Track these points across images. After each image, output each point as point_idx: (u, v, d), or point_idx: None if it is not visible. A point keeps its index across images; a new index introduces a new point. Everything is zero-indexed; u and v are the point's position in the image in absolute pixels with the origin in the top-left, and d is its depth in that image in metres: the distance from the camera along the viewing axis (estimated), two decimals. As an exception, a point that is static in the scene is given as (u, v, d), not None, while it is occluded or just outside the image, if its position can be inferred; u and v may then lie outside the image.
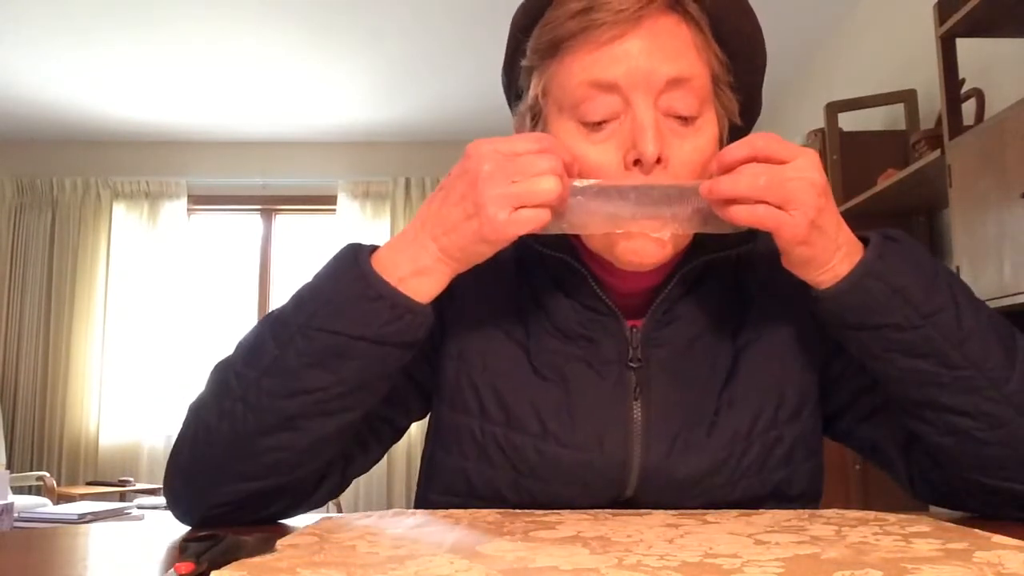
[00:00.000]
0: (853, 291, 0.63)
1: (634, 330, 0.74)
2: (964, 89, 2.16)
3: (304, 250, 5.27)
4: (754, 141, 0.62)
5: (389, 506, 4.80)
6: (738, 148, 0.62)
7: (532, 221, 0.62)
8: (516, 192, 0.61)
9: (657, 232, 0.65)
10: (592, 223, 0.65)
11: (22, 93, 4.41)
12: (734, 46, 0.71)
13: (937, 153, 2.19)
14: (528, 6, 0.72)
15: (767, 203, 0.60)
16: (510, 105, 0.79)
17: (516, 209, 0.61)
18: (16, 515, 3.04)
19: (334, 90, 4.41)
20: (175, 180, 5.16)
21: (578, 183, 0.64)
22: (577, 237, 0.73)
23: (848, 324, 0.65)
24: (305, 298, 0.67)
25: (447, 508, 0.71)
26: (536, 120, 0.73)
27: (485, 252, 0.65)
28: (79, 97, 4.48)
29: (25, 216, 5.12)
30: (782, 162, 0.61)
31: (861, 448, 0.78)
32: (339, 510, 4.21)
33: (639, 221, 0.64)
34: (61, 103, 4.56)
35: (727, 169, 0.62)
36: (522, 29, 0.73)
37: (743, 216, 0.61)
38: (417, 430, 3.25)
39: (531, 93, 0.72)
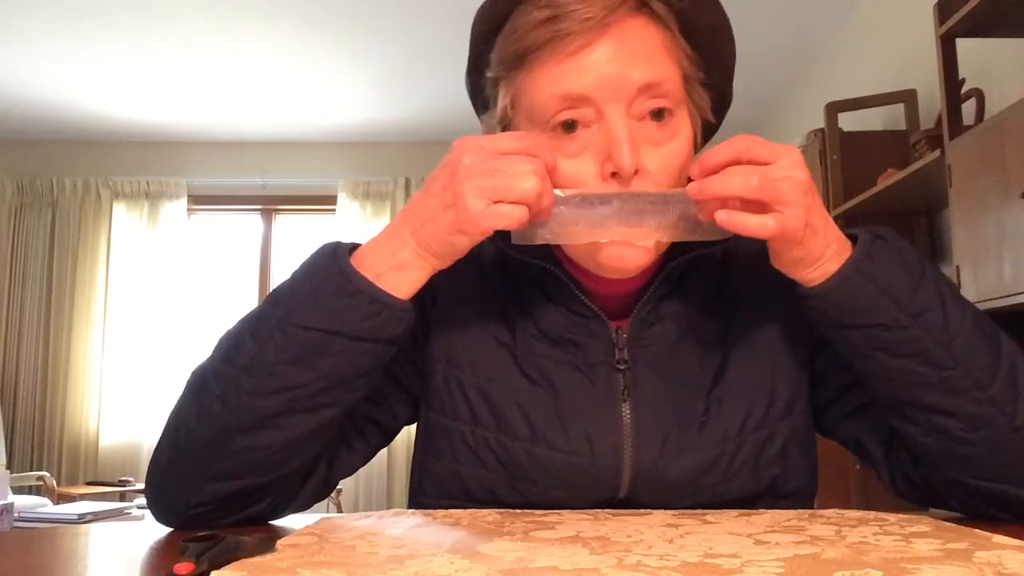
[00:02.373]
0: (840, 289, 0.62)
1: (619, 331, 0.73)
2: (964, 89, 2.16)
3: (304, 250, 5.25)
4: (735, 143, 0.61)
5: (389, 506, 4.80)
6: (720, 151, 0.61)
7: (509, 216, 0.60)
8: (494, 185, 0.60)
9: (642, 240, 0.65)
10: (576, 233, 0.64)
11: (22, 93, 4.41)
12: (702, 41, 0.70)
13: (937, 153, 2.19)
14: (488, 14, 0.70)
15: (762, 202, 0.60)
16: (477, 113, 0.77)
17: (494, 203, 0.60)
18: (16, 515, 3.04)
19: (334, 90, 4.41)
20: (175, 180, 5.16)
21: (561, 193, 0.63)
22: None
23: (835, 322, 0.64)
24: (283, 295, 0.66)
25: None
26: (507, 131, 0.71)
27: (461, 245, 0.63)
28: (79, 97, 4.48)
29: (25, 216, 5.12)
30: (766, 163, 0.60)
31: (845, 443, 0.77)
32: (339, 510, 4.21)
33: (623, 230, 0.63)
34: (61, 103, 4.56)
35: (709, 172, 0.61)
36: (483, 38, 0.71)
37: (752, 226, 0.60)
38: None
39: (500, 104, 0.71)
